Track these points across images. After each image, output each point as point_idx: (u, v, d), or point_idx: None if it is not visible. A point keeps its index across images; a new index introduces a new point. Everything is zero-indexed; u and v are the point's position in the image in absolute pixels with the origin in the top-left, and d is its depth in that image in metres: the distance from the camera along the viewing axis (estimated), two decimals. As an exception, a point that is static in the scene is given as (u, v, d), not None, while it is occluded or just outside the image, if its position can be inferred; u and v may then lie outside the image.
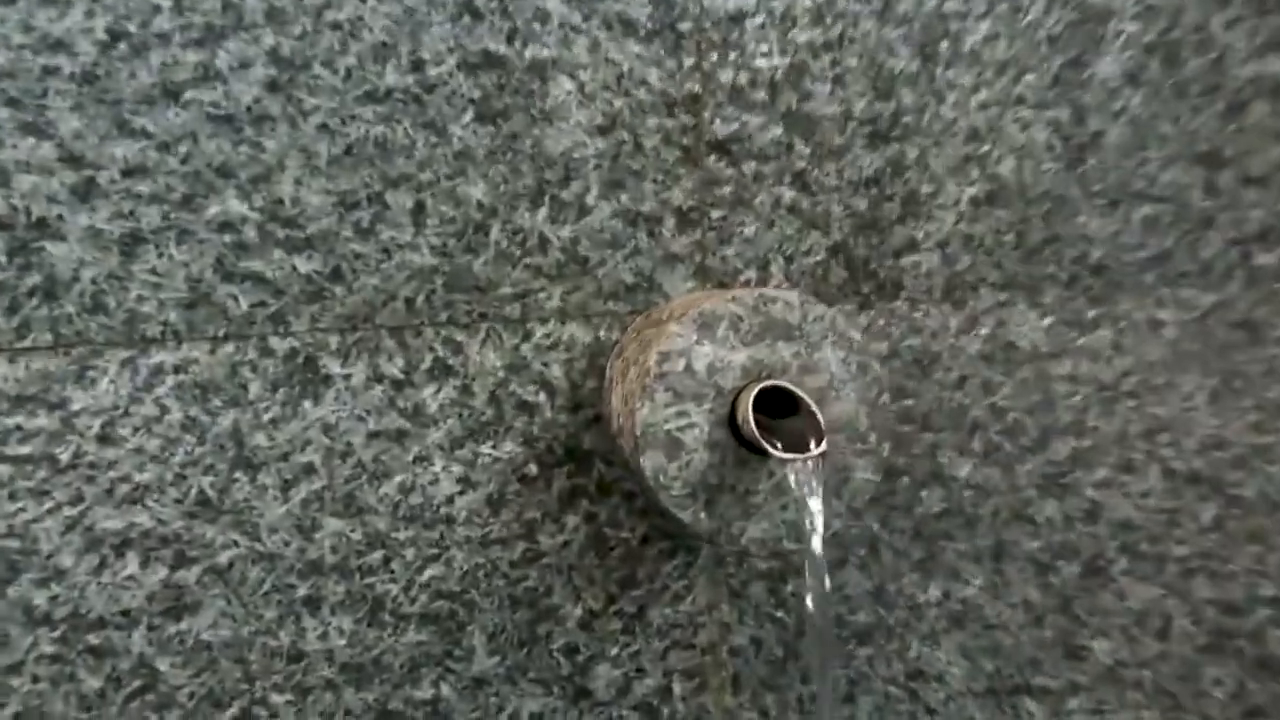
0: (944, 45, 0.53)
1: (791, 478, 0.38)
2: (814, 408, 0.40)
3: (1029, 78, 0.55)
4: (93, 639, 0.46)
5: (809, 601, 0.38)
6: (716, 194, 0.51)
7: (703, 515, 0.42)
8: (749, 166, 0.52)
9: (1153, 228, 0.57)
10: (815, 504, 0.37)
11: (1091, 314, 0.56)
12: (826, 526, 0.39)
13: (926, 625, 0.56)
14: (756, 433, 0.39)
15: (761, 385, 0.41)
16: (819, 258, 0.52)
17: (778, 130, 0.52)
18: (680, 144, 0.51)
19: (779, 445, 0.39)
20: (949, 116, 0.54)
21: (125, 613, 0.46)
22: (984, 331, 0.54)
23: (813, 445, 0.38)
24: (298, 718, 0.48)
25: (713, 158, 0.51)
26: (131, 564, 0.46)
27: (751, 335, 0.42)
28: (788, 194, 0.52)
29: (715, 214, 0.51)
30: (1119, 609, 0.57)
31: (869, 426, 0.43)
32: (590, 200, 0.50)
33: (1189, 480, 0.57)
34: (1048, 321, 0.55)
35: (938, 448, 0.54)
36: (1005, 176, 0.55)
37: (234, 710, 0.47)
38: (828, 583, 0.39)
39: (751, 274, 0.52)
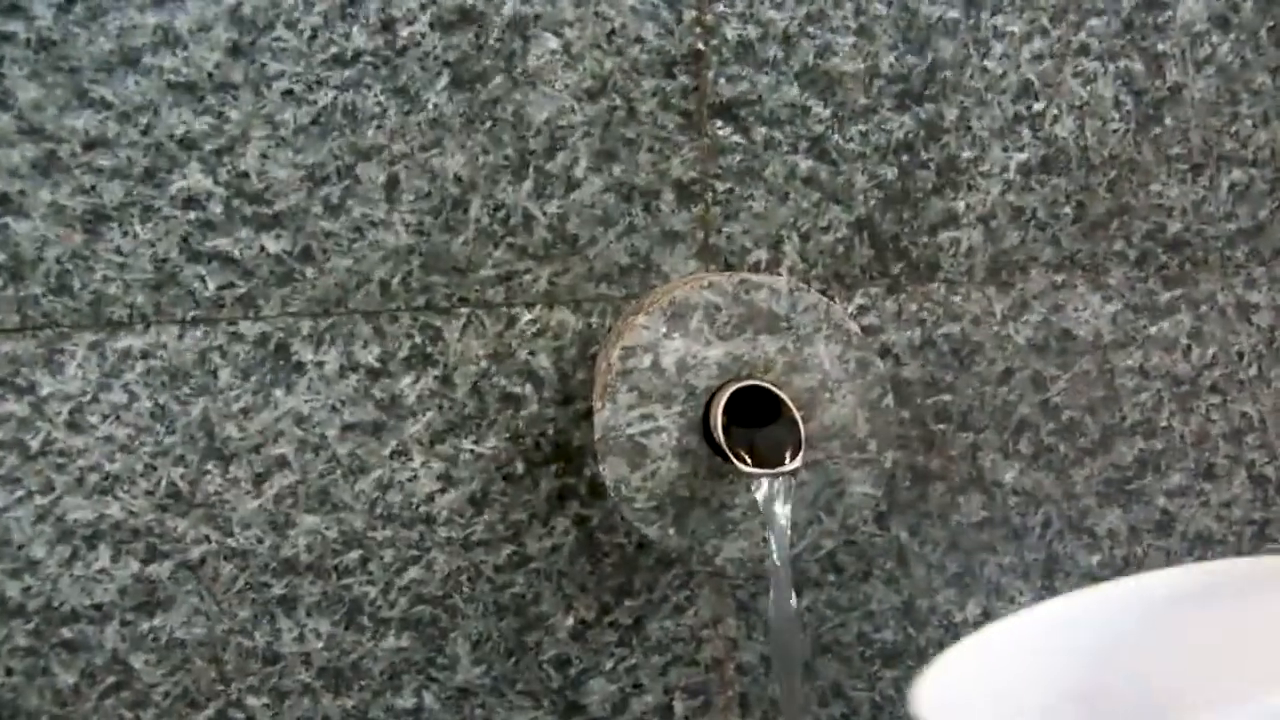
0: (989, -13, 0.48)
1: (759, 494, 0.33)
2: (795, 413, 0.35)
3: (1093, 23, 0.50)
4: (66, 633, 0.46)
5: (772, 631, 0.33)
6: (722, 164, 0.48)
7: (671, 531, 0.39)
8: (759, 132, 0.48)
9: (1243, 196, 0.51)
10: (782, 525, 0.32)
11: (1166, 297, 0.52)
12: (816, 548, 0.34)
13: (963, 647, 0.52)
14: (724, 442, 0.35)
15: (739, 385, 0.38)
16: (840, 235, 0.49)
17: (792, 90, 0.48)
18: (680, 108, 0.47)
19: (749, 456, 0.34)
20: (995, 70, 0.49)
21: (98, 607, 0.46)
22: (1035, 318, 0.50)
23: (787, 458, 0.34)
24: (274, 722, 0.47)
25: (717, 123, 0.48)
26: (103, 557, 0.45)
27: (730, 327, 0.39)
28: (804, 163, 0.48)
29: (720, 187, 0.48)
30: (1192, 635, 0.52)
31: (869, 433, 0.39)
32: (579, 173, 0.47)
33: (1281, 490, 0.53)
34: (1113, 306, 0.51)
35: (978, 449, 0.51)
36: (1063, 139, 0.50)
37: (209, 711, 0.47)
38: (794, 604, 0.36)
39: (762, 254, 0.49)
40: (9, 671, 0.45)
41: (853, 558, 0.50)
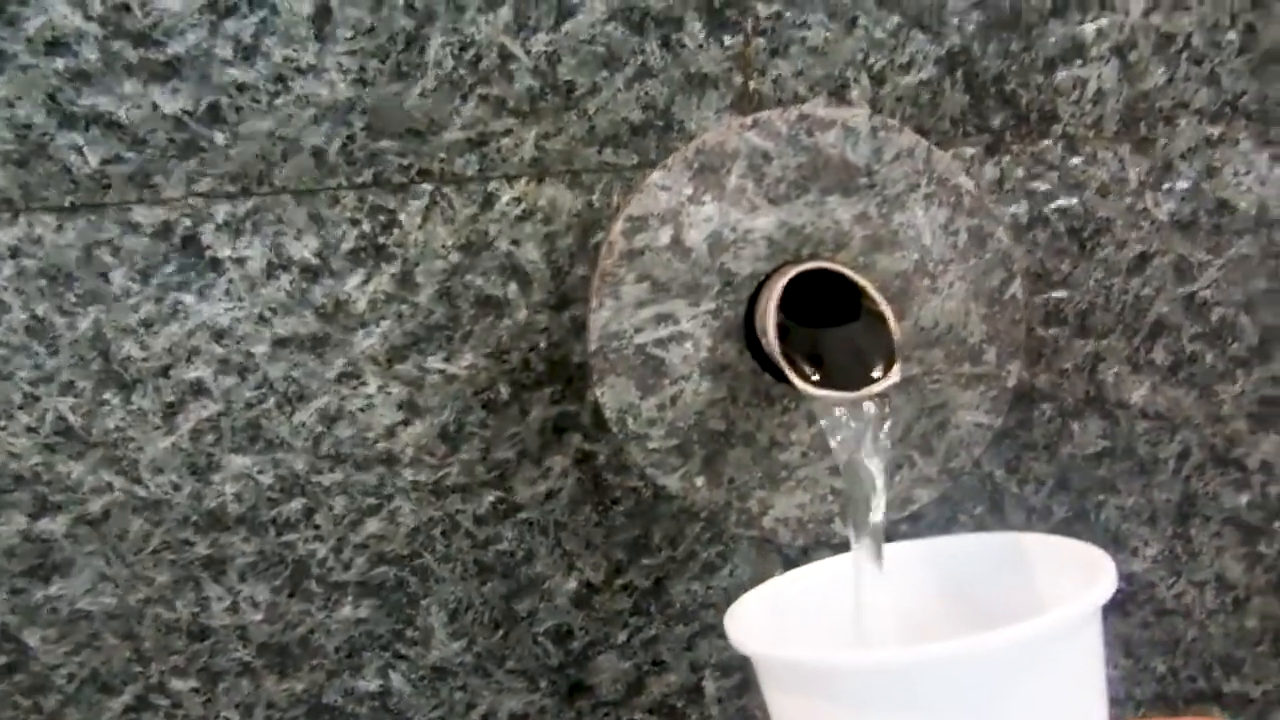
0: None
1: (833, 430, 0.26)
2: (884, 308, 0.29)
3: None
4: (-57, 604, 0.43)
5: (855, 624, 0.28)
6: (765, -21, 0.43)
7: (699, 482, 0.34)
8: (815, -66, 0.43)
9: None
10: (870, 472, 0.26)
11: (1356, 157, 0.47)
12: (905, 502, 0.30)
13: (1072, 610, 0.47)
14: (778, 350, 0.28)
15: (798, 270, 0.30)
16: (926, 75, 0.43)
17: (861, -127, 0.43)
18: (708, -99, 0.42)
19: (816, 372, 0.28)
20: None
21: (-20, 572, 0.43)
22: (1183, 185, 0.45)
23: (878, 373, 0.28)
24: (207, 709, 0.44)
25: (759, -79, 0.42)
26: (-19, 511, 0.42)
27: (786, 185, 0.32)
28: (876, -24, 0.44)
29: (764, 11, 0.42)
30: (1364, 591, 0.50)
31: (986, 336, 0.33)
32: (573, -6, 0.42)
33: None
34: (1284, 169, 0.47)
35: (1100, 360, 0.46)
36: (1227, -61, 0.45)
37: (126, 697, 0.43)
38: (883, 591, 0.29)
39: (820, 103, 0.43)
40: (-122, 653, 0.42)
41: (930, 501, 0.44)
